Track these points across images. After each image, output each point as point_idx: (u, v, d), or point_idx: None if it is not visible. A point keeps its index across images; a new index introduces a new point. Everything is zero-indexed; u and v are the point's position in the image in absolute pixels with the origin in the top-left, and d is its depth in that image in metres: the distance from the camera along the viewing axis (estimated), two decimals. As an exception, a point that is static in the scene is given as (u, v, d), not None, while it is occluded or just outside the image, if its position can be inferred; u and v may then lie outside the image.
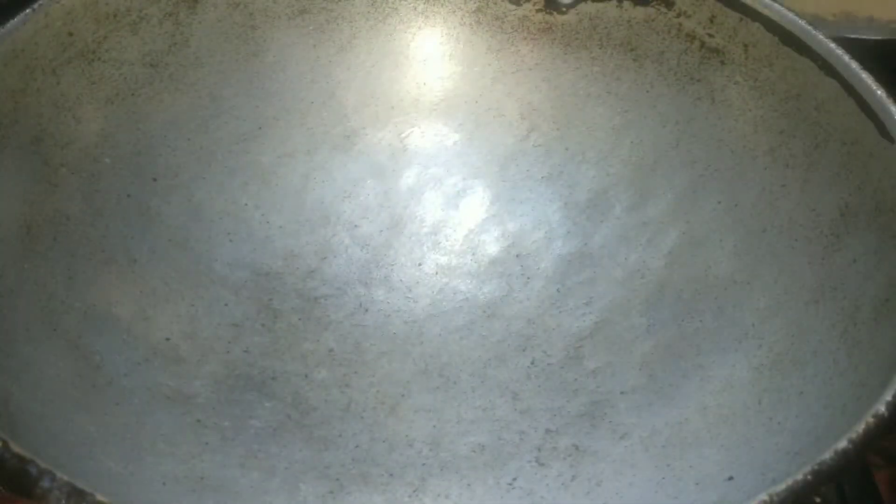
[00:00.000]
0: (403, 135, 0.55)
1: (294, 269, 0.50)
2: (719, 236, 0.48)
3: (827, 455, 0.33)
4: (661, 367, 0.46)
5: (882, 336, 0.39)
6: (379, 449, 0.44)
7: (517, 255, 0.52)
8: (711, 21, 0.49)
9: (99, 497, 0.31)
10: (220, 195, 0.51)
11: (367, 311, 0.49)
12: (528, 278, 0.51)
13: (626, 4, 0.51)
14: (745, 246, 0.47)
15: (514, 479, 0.43)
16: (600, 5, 0.52)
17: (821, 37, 0.46)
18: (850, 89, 0.44)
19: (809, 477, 0.33)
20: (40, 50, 0.45)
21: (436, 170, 0.55)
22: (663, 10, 0.51)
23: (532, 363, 0.47)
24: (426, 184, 0.54)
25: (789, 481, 0.33)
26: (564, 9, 0.53)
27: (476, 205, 0.54)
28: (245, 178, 0.52)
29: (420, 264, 0.51)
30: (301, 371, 0.46)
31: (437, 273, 0.51)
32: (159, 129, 0.50)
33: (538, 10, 0.53)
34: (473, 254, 0.52)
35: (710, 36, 0.50)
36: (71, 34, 0.46)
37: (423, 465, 0.43)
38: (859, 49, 0.45)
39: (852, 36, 0.53)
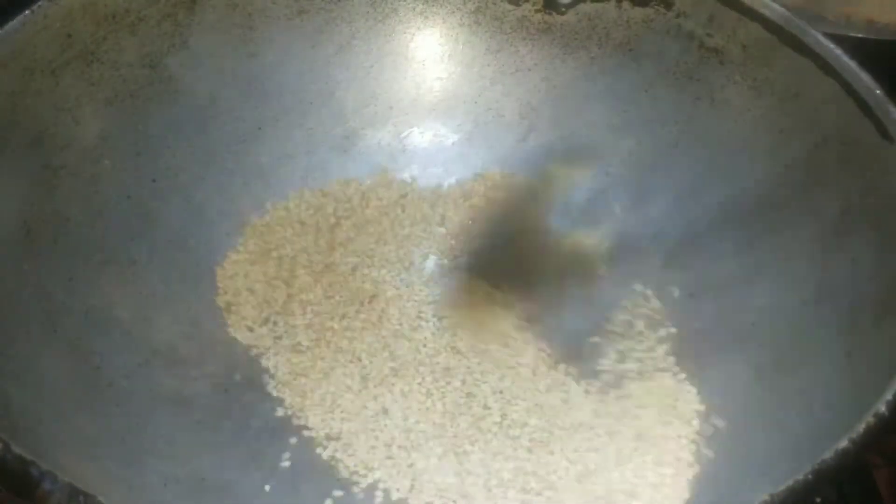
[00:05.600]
0: (403, 135, 0.55)
1: (294, 269, 0.51)
2: (719, 236, 0.48)
3: (827, 455, 0.33)
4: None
5: (882, 336, 0.39)
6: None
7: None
8: (710, 21, 0.49)
9: (100, 499, 0.31)
10: (220, 195, 0.51)
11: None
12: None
13: (625, 5, 0.51)
14: (745, 246, 0.47)
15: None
16: (599, 5, 0.52)
17: (820, 36, 0.46)
18: (849, 89, 0.44)
19: (810, 477, 0.33)
20: (39, 51, 0.45)
21: (435, 170, 0.55)
22: (662, 10, 0.51)
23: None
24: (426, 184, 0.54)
25: (790, 481, 0.33)
26: (563, 9, 0.53)
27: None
28: (245, 178, 0.52)
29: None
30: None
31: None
32: (159, 130, 0.50)
33: (537, 11, 0.53)
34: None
35: (709, 36, 0.50)
36: (70, 35, 0.46)
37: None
38: (859, 49, 0.45)
39: (852, 34, 0.53)
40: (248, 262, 0.50)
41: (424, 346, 0.47)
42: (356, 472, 0.43)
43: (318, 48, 0.53)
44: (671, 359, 0.46)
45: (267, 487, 0.42)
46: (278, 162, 0.53)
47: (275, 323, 0.48)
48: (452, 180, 0.54)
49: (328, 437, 0.44)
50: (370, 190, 0.53)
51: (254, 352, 0.47)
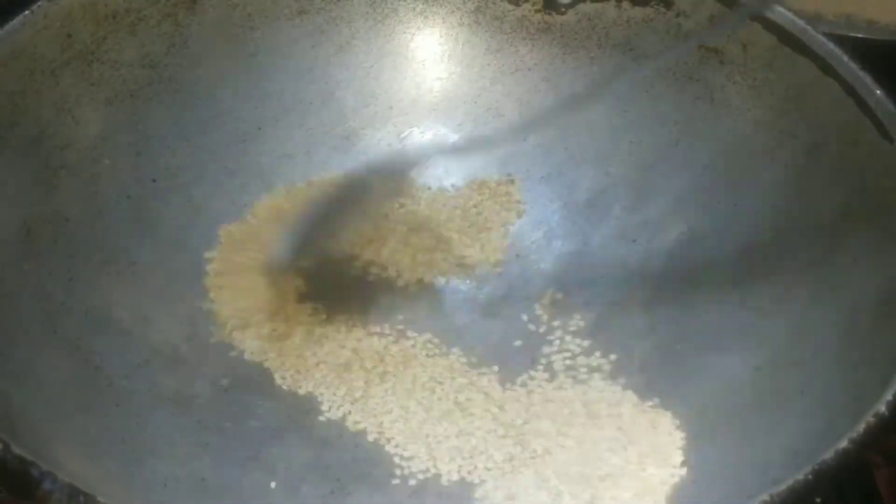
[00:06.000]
0: (403, 135, 0.55)
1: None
2: (719, 236, 0.48)
3: (827, 455, 0.33)
4: (661, 367, 0.46)
5: (882, 336, 0.39)
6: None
7: (517, 255, 0.52)
8: (710, 21, 0.49)
9: (100, 499, 0.31)
10: (220, 195, 0.51)
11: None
12: (528, 278, 0.51)
13: (624, 4, 0.51)
14: (744, 245, 0.47)
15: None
16: (599, 5, 0.52)
17: (820, 37, 0.46)
18: (849, 89, 0.44)
19: (810, 477, 0.33)
20: (39, 51, 0.45)
21: (435, 170, 0.54)
22: (662, 9, 0.51)
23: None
24: (425, 184, 0.54)
25: (790, 481, 0.33)
26: (563, 9, 0.53)
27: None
28: (245, 178, 0.52)
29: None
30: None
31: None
32: (159, 130, 0.50)
33: (537, 11, 0.53)
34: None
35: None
36: (70, 36, 0.46)
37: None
38: (859, 49, 0.45)
39: (852, 35, 0.53)
40: (234, 265, 0.49)
41: (413, 346, 0.47)
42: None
43: (318, 48, 0.53)
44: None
45: (273, 484, 0.42)
46: (278, 162, 0.53)
47: (273, 323, 0.48)
48: (452, 180, 0.54)
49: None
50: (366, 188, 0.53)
51: (252, 353, 0.47)
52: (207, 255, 0.49)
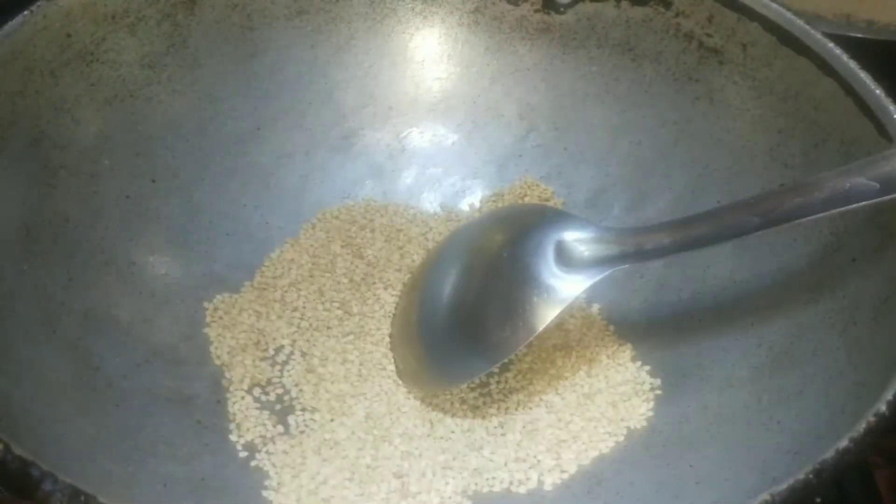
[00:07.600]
0: (402, 135, 0.55)
1: (294, 269, 0.51)
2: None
3: (828, 454, 0.33)
4: (661, 367, 0.46)
5: (882, 336, 0.39)
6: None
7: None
8: (710, 21, 0.49)
9: (101, 499, 0.31)
10: (219, 196, 0.51)
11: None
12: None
13: (623, 4, 0.51)
14: (744, 245, 0.47)
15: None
16: (598, 5, 0.52)
17: (819, 36, 0.46)
18: (848, 89, 0.44)
19: (811, 476, 0.33)
20: (39, 51, 0.45)
21: (434, 170, 0.55)
22: (661, 9, 0.50)
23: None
24: (425, 184, 0.54)
25: (790, 481, 0.33)
26: (562, 9, 0.53)
27: (475, 205, 0.54)
28: (244, 178, 0.52)
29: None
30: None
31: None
32: (158, 131, 0.50)
33: (536, 11, 0.53)
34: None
35: (709, 36, 0.50)
36: (69, 36, 0.46)
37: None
38: (859, 49, 0.45)
39: (851, 34, 0.53)
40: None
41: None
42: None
43: (318, 48, 0.53)
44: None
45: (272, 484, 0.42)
46: (277, 162, 0.53)
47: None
48: (451, 181, 0.54)
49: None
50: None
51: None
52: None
